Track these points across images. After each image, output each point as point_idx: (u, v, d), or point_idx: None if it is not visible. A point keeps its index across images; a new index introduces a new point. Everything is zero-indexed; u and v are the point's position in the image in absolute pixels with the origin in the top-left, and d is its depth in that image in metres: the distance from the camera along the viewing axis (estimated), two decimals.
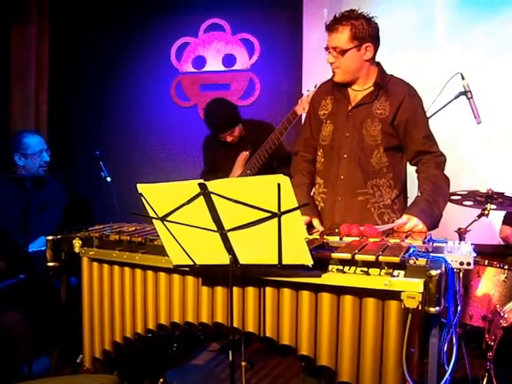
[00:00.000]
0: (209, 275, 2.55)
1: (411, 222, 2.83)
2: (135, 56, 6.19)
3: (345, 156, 3.08)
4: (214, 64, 6.12)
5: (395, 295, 2.12)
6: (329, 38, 3.01)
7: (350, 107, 3.10)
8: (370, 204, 3.07)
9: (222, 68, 6.10)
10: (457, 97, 4.06)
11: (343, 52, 2.98)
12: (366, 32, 2.97)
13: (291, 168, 3.38)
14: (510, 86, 5.35)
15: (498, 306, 3.97)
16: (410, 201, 3.19)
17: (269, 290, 2.40)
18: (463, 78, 4.03)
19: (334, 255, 2.24)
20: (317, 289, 2.28)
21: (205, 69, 6.15)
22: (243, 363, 3.23)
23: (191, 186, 2.16)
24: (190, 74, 6.17)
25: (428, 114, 3.91)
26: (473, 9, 5.38)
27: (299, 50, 5.72)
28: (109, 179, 4.65)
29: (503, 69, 5.35)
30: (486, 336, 3.91)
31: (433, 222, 2.93)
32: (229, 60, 6.09)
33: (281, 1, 5.84)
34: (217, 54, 6.11)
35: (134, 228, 3.14)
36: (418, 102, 3.15)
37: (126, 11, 6.17)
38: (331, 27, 2.98)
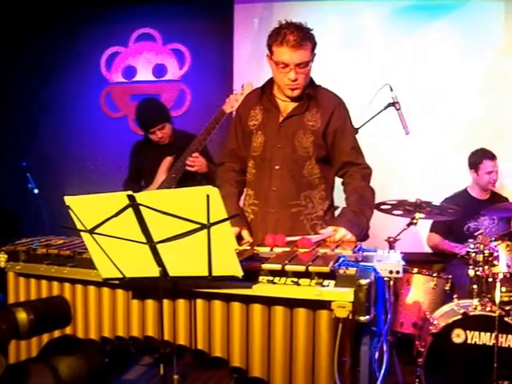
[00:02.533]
0: (139, 288, 2.51)
1: (339, 232, 2.83)
2: (64, 65, 6.09)
3: (277, 167, 3.06)
4: (144, 74, 6.08)
5: (326, 305, 2.13)
6: (292, 54, 2.88)
7: (281, 118, 3.09)
8: (302, 216, 3.06)
9: (153, 78, 6.06)
10: (385, 108, 4.14)
11: (305, 67, 2.95)
12: (316, 43, 2.99)
13: (217, 179, 3.35)
14: (438, 97, 5.49)
15: (427, 313, 4.05)
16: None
17: (199, 302, 2.37)
18: (391, 90, 4.10)
19: (264, 266, 2.23)
20: (247, 300, 2.27)
21: (135, 79, 6.11)
22: (175, 377, 3.16)
23: (120, 198, 2.13)
24: (120, 84, 6.11)
25: (357, 125, 3.99)
26: (401, 21, 5.51)
27: (230, 61, 5.74)
28: (36, 191, 4.55)
29: (431, 81, 5.49)
30: (417, 342, 3.98)
31: (361, 232, 2.94)
32: (159, 70, 6.05)
33: (212, 11, 5.84)
34: (147, 64, 6.07)
35: (62, 241, 3.06)
36: (347, 113, 3.17)
37: (54, 20, 6.05)
38: (297, 44, 2.86)
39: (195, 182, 4.34)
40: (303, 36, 2.89)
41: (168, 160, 4.49)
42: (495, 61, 5.52)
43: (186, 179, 4.34)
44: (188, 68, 5.97)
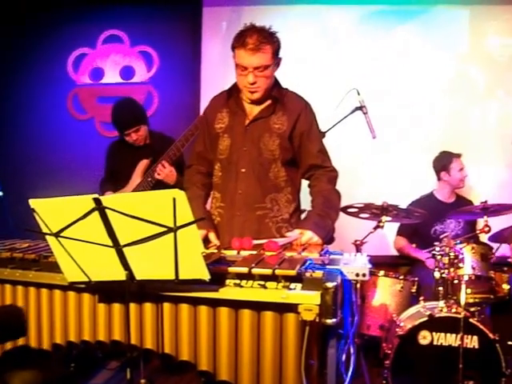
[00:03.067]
0: (105, 292, 2.49)
1: (306, 235, 2.85)
2: (30, 66, 6.00)
3: (243, 170, 3.07)
4: (111, 76, 6.03)
5: (292, 308, 2.13)
6: (250, 57, 2.89)
7: (247, 121, 3.09)
8: (268, 218, 3.07)
9: (120, 80, 6.02)
10: (352, 112, 4.17)
11: (265, 70, 2.94)
12: (280, 47, 2.99)
13: (184, 181, 3.34)
14: (405, 101, 5.54)
15: (394, 316, 4.08)
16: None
17: (166, 306, 2.36)
18: (359, 94, 4.13)
19: (231, 269, 2.24)
20: (215, 303, 2.27)
21: (102, 81, 6.05)
22: (142, 381, 3.17)
23: (85, 201, 2.11)
24: (87, 86, 6.05)
25: (325, 129, 4.01)
26: (369, 26, 5.55)
27: (198, 63, 5.73)
28: (0, 193, 4.48)
29: (398, 85, 5.54)
30: (384, 345, 4.00)
31: (326, 235, 2.96)
32: (127, 72, 6.01)
33: (180, 14, 5.82)
34: (115, 66, 6.02)
35: (27, 245, 3.02)
36: (313, 117, 3.18)
37: (21, 19, 5.97)
38: (255, 47, 2.87)
39: (170, 187, 4.30)
40: (263, 39, 2.89)
41: (144, 163, 4.46)
42: (460, 66, 5.60)
43: (161, 183, 4.28)
44: (156, 70, 5.94)
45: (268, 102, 3.10)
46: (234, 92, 3.15)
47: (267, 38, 2.92)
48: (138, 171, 4.46)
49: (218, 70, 5.38)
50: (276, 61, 3.01)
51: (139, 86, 5.97)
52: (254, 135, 3.07)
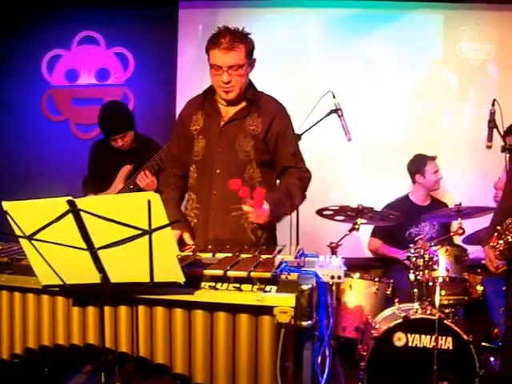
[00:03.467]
0: (79, 295, 2.46)
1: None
2: (4, 66, 5.93)
3: (218, 171, 3.07)
4: (86, 78, 5.98)
5: (268, 310, 2.13)
6: (224, 56, 2.93)
7: (222, 122, 3.11)
8: (243, 220, 3.07)
9: (96, 82, 5.97)
10: (328, 114, 4.18)
11: (239, 69, 2.98)
12: (253, 48, 3.04)
13: (160, 184, 3.34)
14: (380, 104, 5.57)
15: (369, 317, 4.10)
16: None
17: (141, 309, 2.35)
18: (334, 97, 4.15)
19: (206, 272, 2.23)
20: (190, 306, 2.26)
21: (77, 82, 6.00)
22: None
23: (60, 203, 2.09)
24: (62, 88, 5.99)
25: (301, 131, 4.02)
26: (344, 30, 5.58)
27: (173, 66, 5.71)
28: None
29: (373, 88, 5.58)
30: (359, 347, 4.03)
31: (275, 217, 3.00)
32: (102, 74, 5.97)
33: (156, 16, 5.79)
34: (90, 68, 5.98)
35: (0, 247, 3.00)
36: (288, 119, 3.21)
37: None
38: (229, 46, 2.93)
39: None
40: (236, 39, 2.95)
41: (126, 169, 4.42)
42: (434, 70, 5.65)
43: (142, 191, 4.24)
44: (132, 72, 5.90)
45: (243, 104, 3.12)
46: (209, 94, 3.16)
47: (240, 38, 2.98)
48: (121, 177, 4.42)
49: (194, 72, 5.37)
50: (250, 61, 3.05)
51: (115, 88, 5.92)
52: (229, 136, 3.08)
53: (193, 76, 5.36)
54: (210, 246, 2.79)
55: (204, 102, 3.17)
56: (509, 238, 3.21)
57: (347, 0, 5.53)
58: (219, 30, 2.99)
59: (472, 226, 4.38)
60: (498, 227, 3.29)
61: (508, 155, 3.84)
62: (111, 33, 5.92)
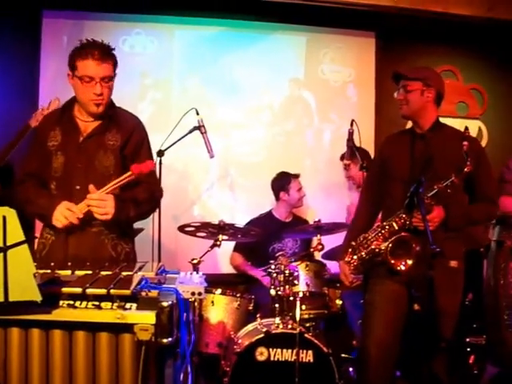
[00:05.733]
0: None
1: (108, 200, 2.89)
2: None
3: (78, 188, 3.00)
4: None
5: (128, 328, 2.10)
6: (97, 67, 2.92)
7: (81, 138, 3.06)
8: (103, 235, 3.03)
9: None
10: (191, 131, 4.21)
11: (109, 82, 2.99)
12: (117, 63, 3.05)
13: (19, 199, 3.17)
14: (243, 122, 5.66)
15: (232, 333, 4.13)
16: None
17: None
18: (198, 114, 4.18)
19: (65, 290, 2.17)
20: (47, 326, 2.17)
21: None
22: None
23: None
24: None
25: (164, 147, 4.03)
26: (210, 47, 5.62)
27: (36, 77, 5.53)
28: None
29: (236, 106, 5.66)
30: (222, 362, 4.04)
31: (119, 215, 2.96)
32: None
33: (18, 25, 5.55)
34: None
35: None
36: (145, 134, 3.23)
37: None
38: (101, 57, 2.93)
39: None
40: (106, 51, 2.98)
41: None
42: (296, 91, 5.81)
43: None
44: None
45: (102, 119, 3.08)
46: (67, 110, 3.11)
47: (109, 52, 3.00)
48: None
49: (57, 84, 5.19)
50: (115, 75, 3.05)
51: None
52: (89, 152, 3.04)
53: (57, 88, 5.17)
54: (69, 263, 2.72)
55: (62, 117, 3.10)
56: (363, 253, 3.34)
57: (213, 18, 5.57)
58: (88, 42, 2.98)
59: (331, 241, 4.52)
60: (353, 243, 3.42)
61: (365, 173, 4.03)
62: None
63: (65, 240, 3.02)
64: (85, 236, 3.00)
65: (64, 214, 2.88)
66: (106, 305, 2.14)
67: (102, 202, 2.88)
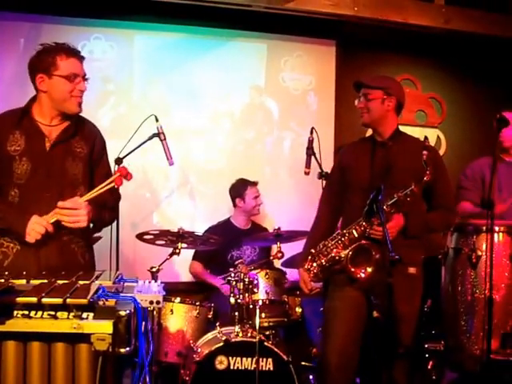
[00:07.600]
0: None
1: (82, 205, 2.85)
2: None
3: (47, 195, 2.93)
4: None
5: (85, 338, 2.06)
6: (81, 66, 3.00)
7: (48, 144, 2.98)
8: (74, 244, 2.99)
9: None
10: (150, 138, 4.17)
11: (86, 81, 3.02)
12: None
13: None
14: (203, 129, 5.64)
15: (191, 342, 4.11)
16: None
17: None
18: (157, 120, 4.14)
19: (19, 299, 2.11)
20: (1, 337, 2.11)
21: None
22: None
23: None
24: None
25: (122, 154, 4.00)
26: (170, 54, 5.58)
27: None
28: None
29: (196, 113, 5.63)
30: (182, 371, 4.02)
31: (94, 224, 3.02)
32: None
33: None
34: None
35: None
36: (104, 141, 3.22)
37: None
38: (81, 57, 3.01)
39: None
40: (77, 49, 3.03)
41: None
42: (256, 98, 5.81)
43: None
44: None
45: (66, 124, 3.03)
46: (27, 113, 3.00)
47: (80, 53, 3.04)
48: None
49: (13, 88, 5.10)
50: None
51: None
52: (58, 159, 2.98)
53: (12, 92, 5.07)
54: (44, 273, 2.64)
55: (21, 120, 2.98)
56: (322, 261, 3.35)
57: (174, 24, 5.53)
58: (60, 43, 2.98)
59: (291, 249, 4.53)
60: (312, 250, 3.42)
61: (325, 181, 4.04)
62: None
63: (36, 250, 2.92)
64: (54, 244, 2.93)
65: (36, 229, 2.82)
66: (62, 314, 2.09)
67: (73, 211, 2.82)
